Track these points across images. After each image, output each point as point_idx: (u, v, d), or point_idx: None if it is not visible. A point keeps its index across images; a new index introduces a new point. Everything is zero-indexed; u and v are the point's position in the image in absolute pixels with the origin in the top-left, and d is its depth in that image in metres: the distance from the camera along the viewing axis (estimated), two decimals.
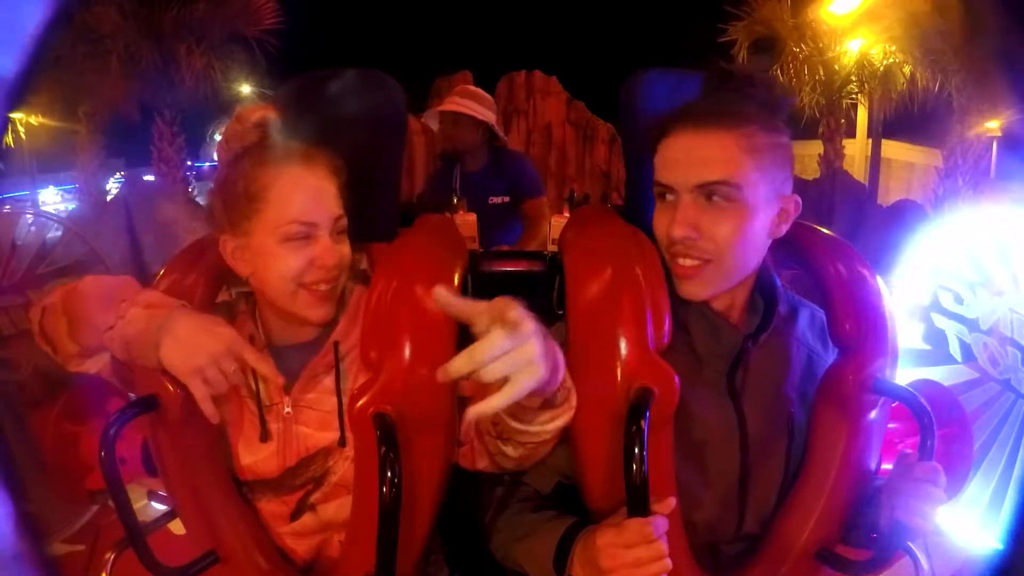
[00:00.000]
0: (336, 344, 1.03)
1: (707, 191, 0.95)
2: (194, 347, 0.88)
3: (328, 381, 1.03)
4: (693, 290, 0.99)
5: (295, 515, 1.06)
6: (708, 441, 1.00)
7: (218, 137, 1.04)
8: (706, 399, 1.00)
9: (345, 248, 1.03)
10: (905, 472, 0.92)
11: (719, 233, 0.95)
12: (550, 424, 0.88)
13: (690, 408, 0.98)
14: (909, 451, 0.97)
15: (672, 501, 0.90)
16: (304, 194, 0.99)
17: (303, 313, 1.01)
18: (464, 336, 1.01)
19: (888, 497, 0.92)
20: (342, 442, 1.02)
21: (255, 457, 1.05)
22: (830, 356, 1.08)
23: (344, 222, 1.03)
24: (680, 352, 0.98)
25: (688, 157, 0.96)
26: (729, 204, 0.94)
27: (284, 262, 0.98)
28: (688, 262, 0.97)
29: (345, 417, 1.00)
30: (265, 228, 0.98)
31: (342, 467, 1.03)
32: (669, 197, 0.98)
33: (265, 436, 1.04)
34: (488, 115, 2.80)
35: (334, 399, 1.02)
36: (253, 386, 1.04)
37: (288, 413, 1.03)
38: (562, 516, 0.99)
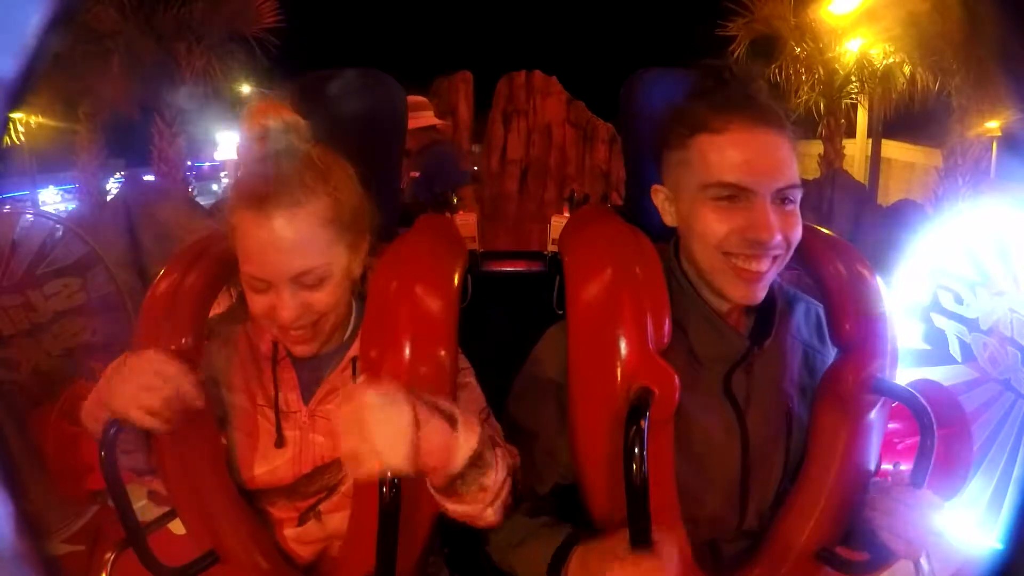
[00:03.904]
0: (354, 360, 1.02)
1: (782, 195, 0.93)
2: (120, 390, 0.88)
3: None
4: (757, 294, 0.96)
5: (302, 520, 1.06)
6: (708, 443, 1.00)
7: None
8: (705, 402, 1.00)
9: (314, 298, 0.94)
10: (894, 494, 0.92)
11: (793, 238, 0.94)
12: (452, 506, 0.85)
13: (689, 411, 0.97)
14: (904, 467, 0.98)
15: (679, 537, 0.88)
16: (253, 249, 0.92)
17: (288, 348, 1.02)
18: (464, 335, 1.01)
19: (873, 514, 0.93)
20: None
21: (270, 465, 1.05)
22: (827, 350, 1.08)
23: (321, 272, 0.93)
24: (677, 354, 0.97)
25: (766, 158, 0.93)
26: (795, 208, 0.95)
27: (254, 303, 0.96)
28: (763, 265, 0.94)
29: None
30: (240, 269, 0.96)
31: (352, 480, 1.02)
32: (741, 199, 0.93)
33: (281, 442, 1.03)
34: (423, 121, 3.14)
35: None
36: (272, 393, 1.04)
37: (305, 422, 1.04)
38: (558, 524, 0.98)
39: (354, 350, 1.03)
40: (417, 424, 0.76)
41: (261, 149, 0.95)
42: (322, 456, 1.04)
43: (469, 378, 1.06)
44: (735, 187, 0.93)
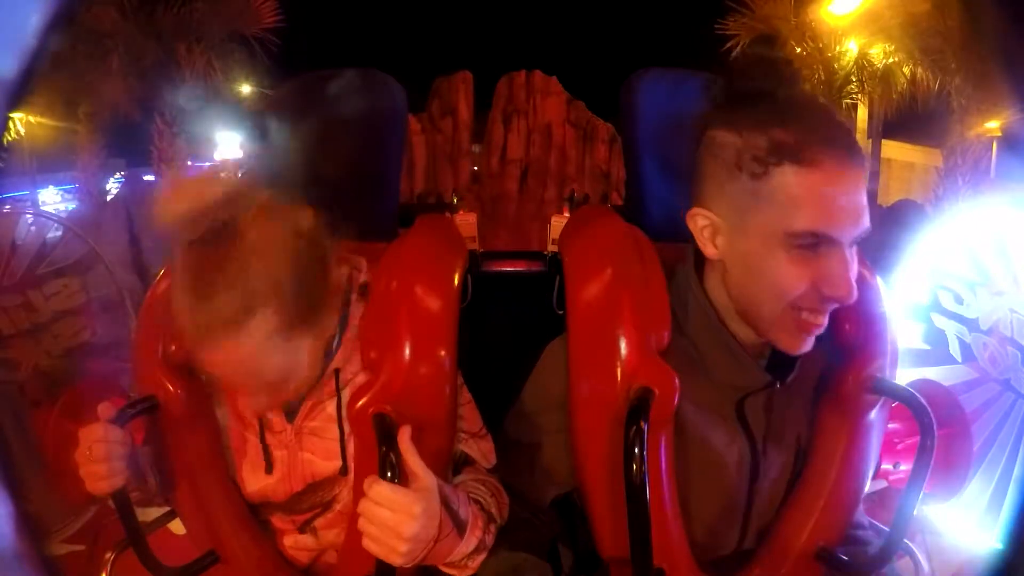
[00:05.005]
0: (337, 372, 0.98)
1: (855, 241, 0.83)
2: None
3: (331, 408, 0.99)
4: (810, 345, 0.88)
5: (300, 531, 1.06)
6: (716, 468, 0.98)
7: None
8: (716, 425, 0.97)
9: (285, 390, 0.92)
10: None
11: (855, 284, 0.83)
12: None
13: (699, 432, 0.95)
14: (904, 467, 0.95)
15: None
16: (210, 372, 0.90)
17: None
18: (464, 336, 1.01)
19: None
20: (344, 471, 1.00)
21: (261, 484, 1.04)
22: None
23: (282, 376, 0.89)
24: (691, 374, 0.93)
25: (855, 201, 0.80)
26: (855, 249, 0.84)
27: None
28: (826, 318, 0.85)
29: (348, 446, 0.98)
30: None
31: (347, 496, 1.01)
32: (822, 247, 0.81)
33: (269, 468, 1.02)
34: None
35: (337, 427, 0.99)
36: (252, 418, 1.02)
37: (292, 440, 1.01)
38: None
39: (336, 362, 0.97)
40: (437, 539, 0.82)
41: (185, 243, 0.81)
42: (312, 474, 1.01)
43: (467, 396, 1.05)
44: (824, 236, 0.80)
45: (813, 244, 0.81)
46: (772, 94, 0.84)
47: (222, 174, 0.85)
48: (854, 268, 0.83)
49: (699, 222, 0.90)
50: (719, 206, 0.88)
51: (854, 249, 0.84)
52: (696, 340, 0.96)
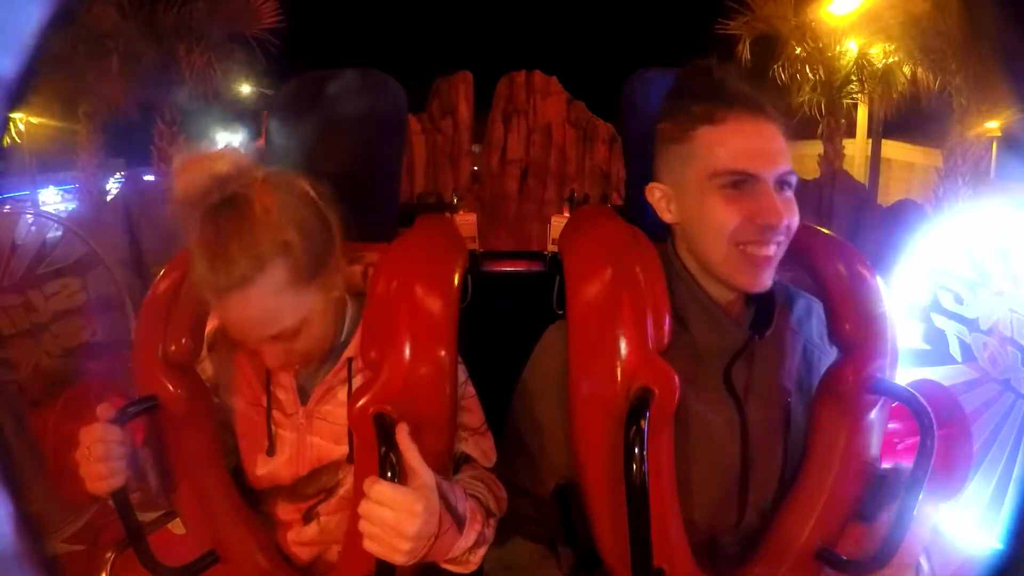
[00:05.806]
0: (350, 361, 1.02)
1: (782, 181, 0.95)
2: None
3: (342, 394, 1.03)
4: (766, 280, 0.97)
5: (306, 520, 1.07)
6: (709, 438, 1.00)
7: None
8: (706, 396, 1.00)
9: (297, 345, 0.97)
10: None
11: (794, 223, 0.96)
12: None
13: (690, 405, 0.97)
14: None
15: None
16: (225, 319, 0.95)
17: None
18: (464, 336, 1.01)
19: None
20: (350, 458, 1.01)
21: (269, 467, 1.05)
22: (827, 347, 1.08)
23: (295, 326, 0.94)
24: (679, 349, 0.97)
25: (766, 145, 0.95)
26: (792, 194, 0.97)
27: (244, 344, 1.01)
28: (771, 250, 0.96)
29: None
30: None
31: (350, 481, 1.02)
32: (747, 186, 0.95)
33: (271, 450, 1.05)
34: None
35: (346, 413, 1.00)
36: (265, 401, 1.05)
37: (303, 423, 1.04)
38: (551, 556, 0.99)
39: (350, 350, 1.02)
40: (437, 535, 0.83)
41: (201, 214, 0.90)
42: (319, 458, 1.04)
43: (470, 390, 1.06)
44: (743, 173, 0.94)
45: (737, 183, 0.94)
46: (705, 93, 0.99)
47: (227, 153, 0.93)
48: (793, 214, 0.95)
49: (655, 194, 1.04)
50: (665, 177, 1.03)
51: (789, 193, 0.96)
52: (682, 311, 1.01)
